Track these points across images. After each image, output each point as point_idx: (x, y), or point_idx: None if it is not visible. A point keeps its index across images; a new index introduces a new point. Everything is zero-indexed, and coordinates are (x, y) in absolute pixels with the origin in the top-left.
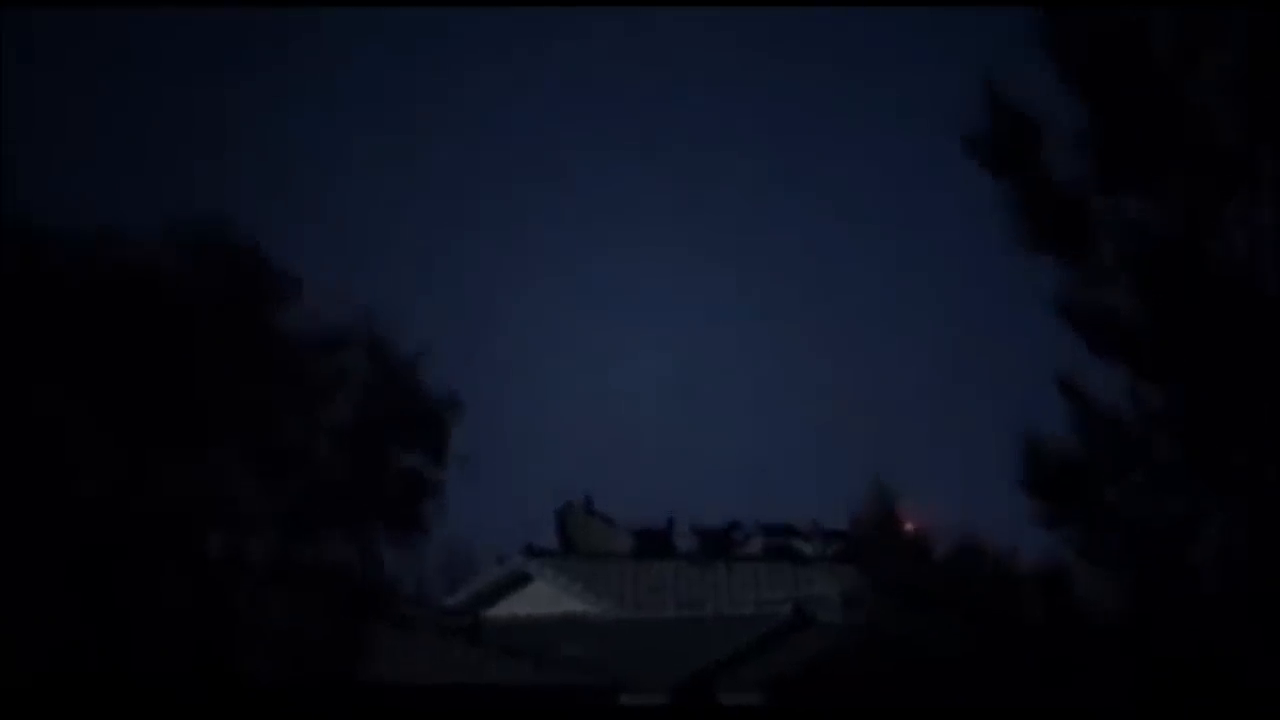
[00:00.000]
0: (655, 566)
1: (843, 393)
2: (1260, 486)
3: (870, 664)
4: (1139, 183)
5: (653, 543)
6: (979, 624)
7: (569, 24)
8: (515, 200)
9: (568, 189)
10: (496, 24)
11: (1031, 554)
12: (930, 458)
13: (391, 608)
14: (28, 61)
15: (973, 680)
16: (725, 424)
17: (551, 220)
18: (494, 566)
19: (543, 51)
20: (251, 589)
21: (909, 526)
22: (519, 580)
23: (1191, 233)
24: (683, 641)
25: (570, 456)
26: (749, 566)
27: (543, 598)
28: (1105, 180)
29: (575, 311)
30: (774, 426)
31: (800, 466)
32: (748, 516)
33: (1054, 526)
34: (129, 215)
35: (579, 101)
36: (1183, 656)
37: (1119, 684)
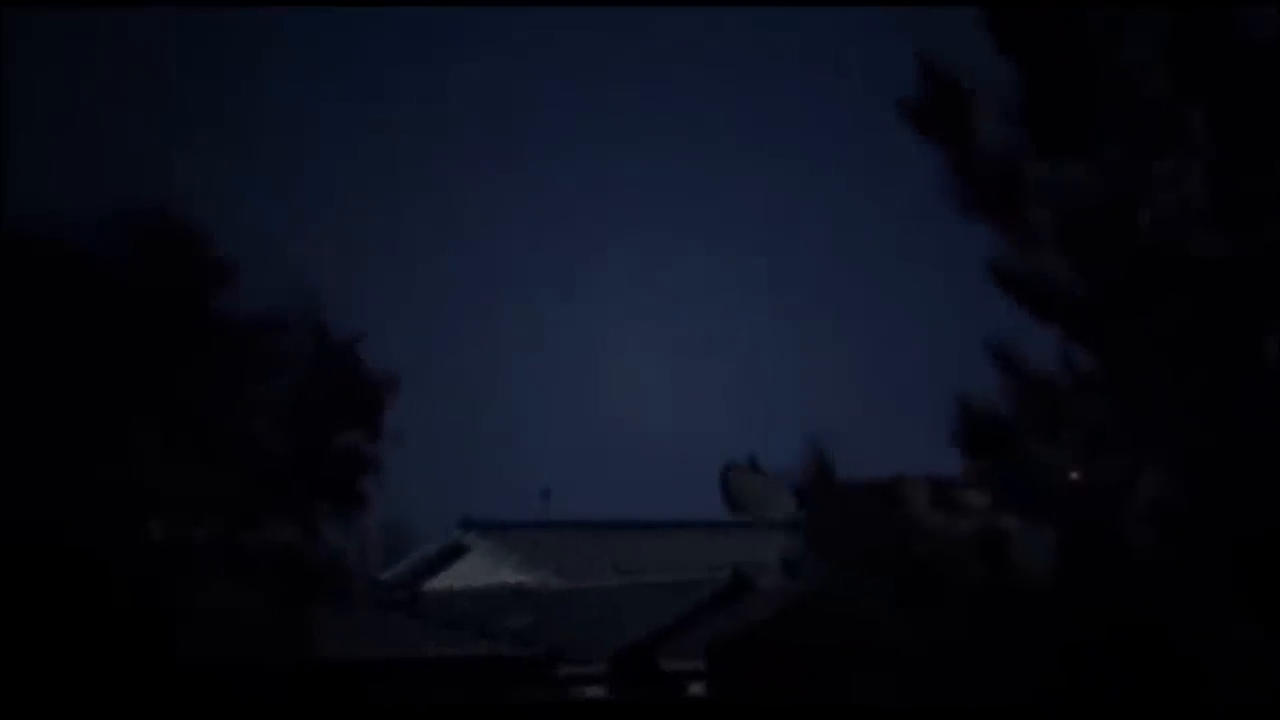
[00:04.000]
0: (593, 535)
1: (782, 355)
2: (1192, 446)
3: (807, 631)
4: (1070, 148)
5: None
6: (914, 586)
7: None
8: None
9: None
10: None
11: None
12: (869, 422)
13: (335, 585)
14: None
15: (904, 646)
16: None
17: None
18: (430, 540)
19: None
20: (196, 574)
21: (847, 488)
22: (455, 552)
23: (1121, 196)
24: (623, 609)
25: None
26: (680, 532)
27: (480, 570)
28: (1037, 146)
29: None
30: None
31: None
32: None
33: (987, 486)
34: (64, 202)
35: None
36: (1116, 618)
37: (1053, 647)
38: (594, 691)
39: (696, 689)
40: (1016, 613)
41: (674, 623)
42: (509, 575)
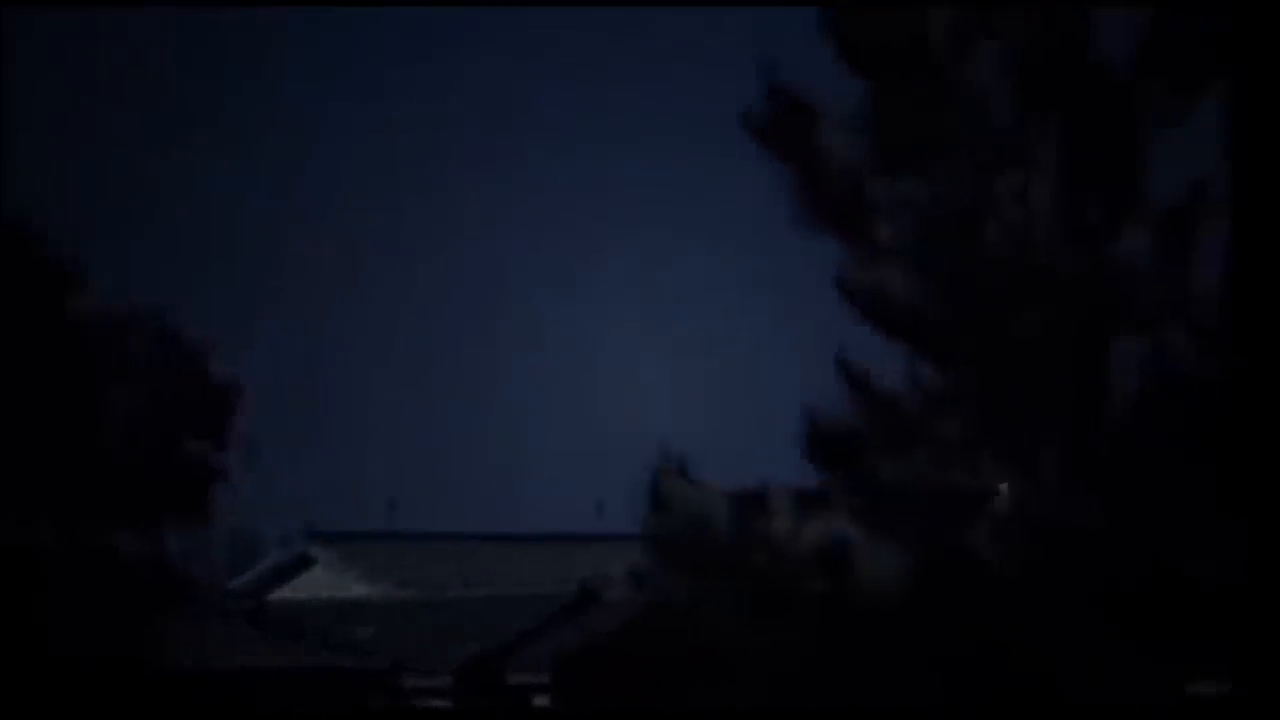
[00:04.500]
0: (441, 547)
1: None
2: (1040, 462)
3: (653, 643)
4: (914, 163)
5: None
6: (760, 598)
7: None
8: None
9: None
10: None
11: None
12: (722, 432)
13: (182, 595)
14: None
15: (750, 657)
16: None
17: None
18: (276, 550)
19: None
20: (39, 577)
21: (700, 498)
22: (302, 563)
23: (964, 211)
24: (469, 622)
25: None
26: (532, 546)
27: (325, 581)
28: (882, 161)
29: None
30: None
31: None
32: None
33: (835, 500)
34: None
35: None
36: (967, 631)
37: (904, 660)
38: (439, 704)
39: (542, 701)
40: (866, 625)
41: (520, 635)
42: (353, 586)
